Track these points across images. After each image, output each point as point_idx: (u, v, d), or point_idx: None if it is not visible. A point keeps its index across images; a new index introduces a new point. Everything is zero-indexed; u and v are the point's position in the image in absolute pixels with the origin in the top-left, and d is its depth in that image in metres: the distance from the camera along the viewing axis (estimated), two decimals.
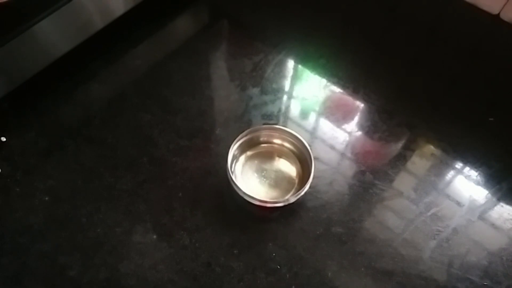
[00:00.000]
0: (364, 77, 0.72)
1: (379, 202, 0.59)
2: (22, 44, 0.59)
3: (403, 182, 0.61)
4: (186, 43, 0.76)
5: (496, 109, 0.69)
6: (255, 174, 0.60)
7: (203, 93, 0.69)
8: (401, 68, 0.75)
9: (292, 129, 0.60)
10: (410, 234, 0.57)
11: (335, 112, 0.68)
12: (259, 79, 0.71)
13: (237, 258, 0.54)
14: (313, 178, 0.56)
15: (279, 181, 0.59)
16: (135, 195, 0.59)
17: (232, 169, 0.59)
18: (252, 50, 0.74)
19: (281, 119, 0.67)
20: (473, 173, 0.62)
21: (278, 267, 0.54)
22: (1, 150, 0.62)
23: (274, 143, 0.62)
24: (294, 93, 0.71)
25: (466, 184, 0.61)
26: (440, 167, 0.63)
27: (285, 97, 0.70)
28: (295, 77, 0.73)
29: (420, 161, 0.63)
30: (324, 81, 0.72)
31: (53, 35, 0.62)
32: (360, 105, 0.69)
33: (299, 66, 0.74)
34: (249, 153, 0.62)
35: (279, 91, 0.70)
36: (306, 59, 0.75)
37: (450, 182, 0.62)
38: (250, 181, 0.59)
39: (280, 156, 0.62)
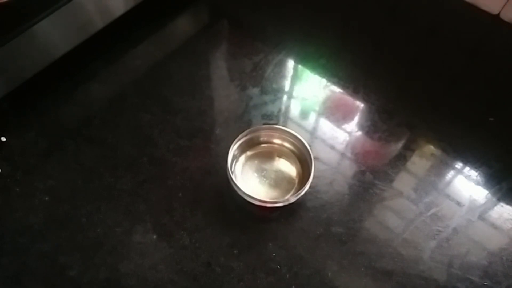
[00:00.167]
0: (364, 77, 0.72)
1: (379, 202, 0.59)
2: (22, 44, 0.59)
3: (403, 182, 0.61)
4: (186, 43, 0.76)
5: (496, 109, 0.69)
6: (255, 174, 0.60)
7: (203, 93, 0.69)
8: (401, 68, 0.75)
9: (292, 129, 0.60)
10: (410, 234, 0.57)
11: (335, 112, 0.68)
12: (259, 79, 0.71)
13: (237, 258, 0.54)
14: (313, 178, 0.56)
15: (279, 181, 0.59)
16: (135, 195, 0.59)
17: (232, 169, 0.59)
18: (252, 50, 0.74)
19: (281, 119, 0.67)
20: (473, 173, 0.62)
21: (278, 267, 0.54)
22: (1, 150, 0.62)
23: (274, 143, 0.62)
24: (294, 93, 0.71)
25: (466, 184, 0.61)
26: (440, 167, 0.63)
27: (285, 97, 0.70)
28: (295, 77, 0.73)
29: (420, 161, 0.63)
30: (324, 81, 0.72)
31: (53, 35, 0.62)
32: (360, 105, 0.69)
33: (299, 66, 0.74)
34: (249, 153, 0.62)
35: (279, 91, 0.70)
36: (306, 59, 0.75)
37: (450, 182, 0.62)
38: (250, 181, 0.59)
39: (280, 156, 0.62)
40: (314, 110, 0.69)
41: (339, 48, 0.76)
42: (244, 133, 0.59)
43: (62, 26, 0.62)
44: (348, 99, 0.70)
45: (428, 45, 0.77)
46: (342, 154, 0.64)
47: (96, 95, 0.69)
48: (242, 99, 0.69)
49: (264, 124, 0.66)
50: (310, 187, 0.56)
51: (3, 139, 0.62)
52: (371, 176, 0.61)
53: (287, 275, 0.53)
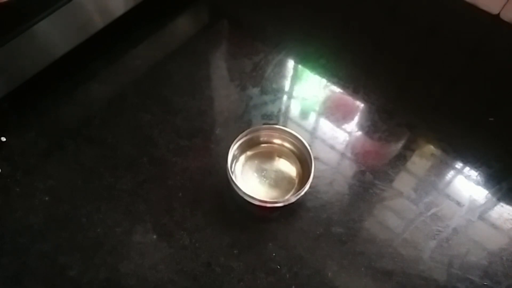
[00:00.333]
0: (364, 77, 0.72)
1: (379, 202, 0.59)
2: (22, 44, 0.59)
3: (403, 182, 0.61)
4: (186, 43, 0.76)
5: (496, 109, 0.69)
6: (255, 174, 0.60)
7: (203, 93, 0.69)
8: (401, 68, 0.75)
9: (292, 129, 0.60)
10: (410, 234, 0.57)
11: (335, 112, 0.68)
12: (259, 79, 0.71)
13: (237, 258, 0.54)
14: (313, 178, 0.56)
15: (279, 181, 0.59)
16: (135, 195, 0.59)
17: (232, 169, 0.59)
18: (252, 50, 0.74)
19: (281, 119, 0.67)
20: (473, 173, 0.62)
21: (278, 267, 0.54)
22: (1, 150, 0.62)
23: (274, 143, 0.62)
24: (294, 93, 0.71)
25: (466, 184, 0.61)
26: (440, 167, 0.63)
27: (285, 97, 0.70)
28: (295, 77, 0.73)
29: (420, 161, 0.63)
30: (324, 81, 0.72)
31: (53, 35, 0.62)
32: (360, 105, 0.69)
33: (299, 66, 0.74)
34: (249, 153, 0.62)
35: (279, 91, 0.70)
36: (306, 59, 0.75)
37: (450, 182, 0.62)
38: (250, 181, 0.59)
39: (280, 156, 0.62)
40: (314, 110, 0.69)
41: (339, 48, 0.76)
42: (244, 133, 0.59)
43: (62, 26, 0.62)
44: (348, 99, 0.70)
45: (428, 45, 0.77)
46: (342, 154, 0.64)
47: (96, 95, 0.69)
48: (242, 99, 0.69)
49: (264, 124, 0.66)
50: (310, 187, 0.56)
51: (3, 139, 0.62)
52: (371, 176, 0.61)
53: (287, 275, 0.53)
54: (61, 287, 0.52)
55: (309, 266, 0.54)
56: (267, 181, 0.59)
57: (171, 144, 0.63)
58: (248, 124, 0.66)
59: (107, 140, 0.64)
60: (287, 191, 0.58)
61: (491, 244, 0.57)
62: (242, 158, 0.61)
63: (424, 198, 0.60)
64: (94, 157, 0.62)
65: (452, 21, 0.80)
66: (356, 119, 0.68)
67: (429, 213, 0.58)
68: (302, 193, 0.55)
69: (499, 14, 0.77)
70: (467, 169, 0.63)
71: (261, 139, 0.62)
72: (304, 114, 0.69)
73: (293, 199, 0.55)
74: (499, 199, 0.60)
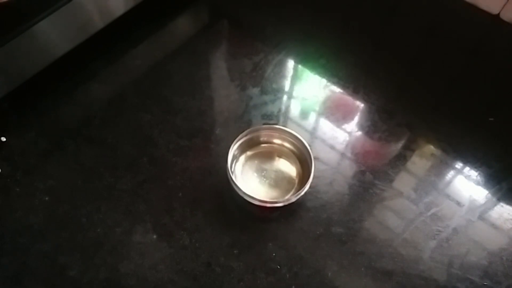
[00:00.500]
0: (364, 77, 0.72)
1: (379, 202, 0.59)
2: (22, 44, 0.59)
3: (403, 182, 0.61)
4: (186, 43, 0.76)
5: (496, 109, 0.69)
6: (255, 174, 0.60)
7: (203, 93, 0.69)
8: (401, 68, 0.75)
9: (292, 129, 0.60)
10: (410, 234, 0.57)
11: (335, 112, 0.68)
12: (259, 79, 0.71)
13: (237, 258, 0.54)
14: (313, 178, 0.56)
15: (279, 181, 0.59)
16: (135, 195, 0.59)
17: (232, 169, 0.59)
18: (252, 50, 0.74)
19: (281, 119, 0.67)
20: (473, 173, 0.62)
21: (278, 267, 0.54)
22: (1, 150, 0.62)
23: (274, 143, 0.62)
24: (294, 93, 0.71)
25: (466, 184, 0.61)
26: (440, 167, 0.63)
27: (285, 97, 0.70)
28: (295, 77, 0.73)
29: (420, 161, 0.63)
30: (324, 81, 0.72)
31: (53, 35, 0.62)
32: (360, 105, 0.69)
33: (299, 66, 0.74)
34: (249, 153, 0.62)
35: (279, 91, 0.70)
36: (306, 59, 0.75)
37: (450, 182, 0.62)
38: (250, 181, 0.59)
39: (280, 156, 0.62)
40: (314, 110, 0.69)
41: (339, 48, 0.76)
42: (244, 133, 0.59)
43: (62, 26, 0.62)
44: (348, 99, 0.70)
45: (428, 45, 0.77)
46: (342, 154, 0.64)
47: (96, 95, 0.69)
48: (242, 99, 0.69)
49: (264, 124, 0.66)
50: (310, 187, 0.56)
51: (3, 139, 0.62)
52: (371, 176, 0.61)
53: (287, 275, 0.53)
54: (61, 287, 0.52)
55: (309, 266, 0.54)
56: (267, 181, 0.59)
57: (171, 144, 0.63)
58: (248, 124, 0.66)
59: (107, 140, 0.64)
60: (287, 191, 0.58)
61: (491, 244, 0.57)
62: (242, 158, 0.61)
63: (424, 198, 0.60)
64: (94, 157, 0.62)
65: (452, 21, 0.80)
66: (356, 119, 0.68)
67: (429, 213, 0.58)
68: (302, 193, 0.55)
69: (499, 14, 0.77)
70: (467, 169, 0.63)
71: (261, 139, 0.62)
72: (304, 114, 0.69)
73: (293, 199, 0.55)
74: (499, 199, 0.60)
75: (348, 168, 0.63)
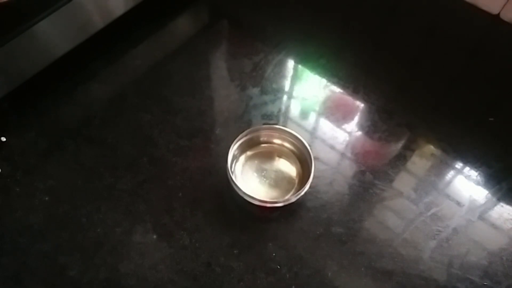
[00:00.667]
0: (364, 77, 0.72)
1: (379, 202, 0.59)
2: (22, 44, 0.59)
3: (403, 182, 0.61)
4: (186, 43, 0.76)
5: (496, 109, 0.69)
6: (255, 174, 0.60)
7: (203, 93, 0.69)
8: (401, 68, 0.75)
9: (292, 129, 0.60)
10: (410, 234, 0.57)
11: (335, 112, 0.68)
12: (259, 79, 0.71)
13: (237, 258, 0.54)
14: (313, 178, 0.56)
15: (279, 181, 0.59)
16: (135, 195, 0.59)
17: (232, 169, 0.59)
18: (252, 50, 0.74)
19: (281, 119, 0.67)
20: (473, 173, 0.62)
21: (278, 267, 0.54)
22: (1, 150, 0.62)
23: (274, 143, 0.62)
24: (294, 93, 0.71)
25: (466, 184, 0.61)
26: (440, 167, 0.63)
27: (285, 97, 0.70)
28: (295, 77, 0.73)
29: (420, 161, 0.63)
30: (324, 81, 0.72)
31: (53, 35, 0.62)
32: (360, 105, 0.69)
33: (299, 66, 0.74)
34: (249, 153, 0.62)
35: (279, 91, 0.70)
36: (306, 59, 0.75)
37: (450, 182, 0.62)
38: (250, 181, 0.59)
39: (280, 156, 0.62)
40: (314, 110, 0.69)
41: (339, 48, 0.76)
42: (244, 133, 0.59)
43: (62, 26, 0.62)
44: (348, 99, 0.70)
45: (428, 45, 0.77)
46: (342, 154, 0.64)
47: (96, 95, 0.69)
48: (242, 99, 0.69)
49: (264, 124, 0.66)
50: (310, 187, 0.56)
51: (3, 139, 0.62)
52: (371, 176, 0.61)
53: (287, 275, 0.53)
54: (61, 287, 0.52)
55: (309, 266, 0.54)
56: (267, 181, 0.59)
57: (171, 144, 0.63)
58: (248, 124, 0.66)
59: (107, 140, 0.64)
60: (287, 191, 0.58)
61: (491, 244, 0.57)
62: (242, 158, 0.61)
63: (424, 198, 0.60)
64: (94, 157, 0.62)
65: (452, 21, 0.80)
66: (356, 119, 0.68)
67: (429, 213, 0.58)
68: (302, 193, 0.55)
69: (499, 14, 0.77)
70: (467, 169, 0.63)
71: (261, 139, 0.62)
72: (304, 114, 0.69)
73: (293, 199, 0.55)
74: (499, 199, 0.60)
75: (348, 168, 0.63)
